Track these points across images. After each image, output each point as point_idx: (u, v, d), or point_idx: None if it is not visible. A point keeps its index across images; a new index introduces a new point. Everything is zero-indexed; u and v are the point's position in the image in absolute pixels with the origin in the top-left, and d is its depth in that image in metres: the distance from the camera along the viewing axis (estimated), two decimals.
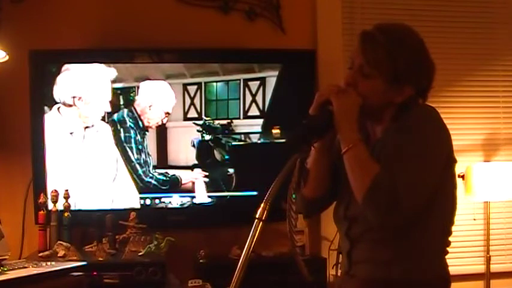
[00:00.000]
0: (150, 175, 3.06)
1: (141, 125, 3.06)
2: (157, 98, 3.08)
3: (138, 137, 3.05)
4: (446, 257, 1.75)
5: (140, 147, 3.06)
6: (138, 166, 3.06)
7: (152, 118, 3.07)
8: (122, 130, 3.05)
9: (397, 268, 1.65)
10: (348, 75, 1.71)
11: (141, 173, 3.06)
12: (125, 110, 3.06)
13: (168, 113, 3.09)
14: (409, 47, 1.70)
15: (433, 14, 3.49)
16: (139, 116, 3.06)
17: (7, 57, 2.76)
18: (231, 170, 3.13)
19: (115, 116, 3.05)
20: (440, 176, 1.65)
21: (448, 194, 1.71)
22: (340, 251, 1.86)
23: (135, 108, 3.06)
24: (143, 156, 3.06)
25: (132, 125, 3.05)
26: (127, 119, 3.05)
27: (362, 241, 1.70)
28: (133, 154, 3.05)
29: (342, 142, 1.65)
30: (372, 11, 3.42)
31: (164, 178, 3.08)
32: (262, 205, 1.56)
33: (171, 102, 3.09)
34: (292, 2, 3.33)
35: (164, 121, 3.08)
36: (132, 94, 3.07)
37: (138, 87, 3.07)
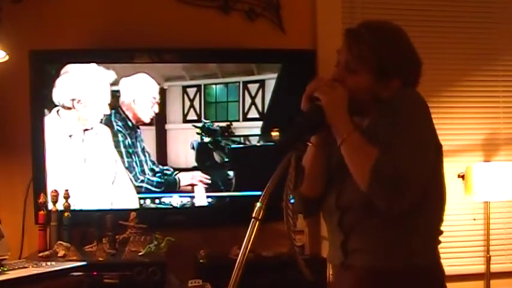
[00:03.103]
0: (141, 178, 3.05)
1: (130, 125, 3.05)
2: (139, 90, 3.06)
3: (128, 139, 3.04)
4: (444, 255, 1.75)
5: (131, 150, 3.05)
6: (127, 171, 3.05)
7: (141, 111, 3.06)
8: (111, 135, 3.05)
9: (396, 256, 1.66)
10: (335, 72, 1.73)
11: (132, 177, 3.06)
12: (112, 112, 3.05)
13: (157, 101, 3.06)
14: (395, 42, 1.72)
15: (433, 14, 3.49)
16: (126, 115, 3.05)
17: (7, 57, 2.76)
18: (230, 173, 3.13)
19: (103, 121, 3.04)
20: (434, 151, 1.67)
21: (439, 179, 1.72)
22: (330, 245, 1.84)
23: (121, 108, 3.06)
24: (135, 158, 3.05)
25: (120, 128, 3.04)
26: (114, 121, 3.04)
27: (358, 230, 1.69)
28: (122, 158, 3.05)
29: (336, 135, 1.65)
30: (372, 11, 3.42)
31: (159, 180, 3.07)
32: (258, 204, 1.56)
33: (154, 90, 3.06)
34: (292, 2, 3.33)
35: (155, 110, 3.07)
36: None
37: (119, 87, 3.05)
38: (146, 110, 3.07)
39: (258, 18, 3.30)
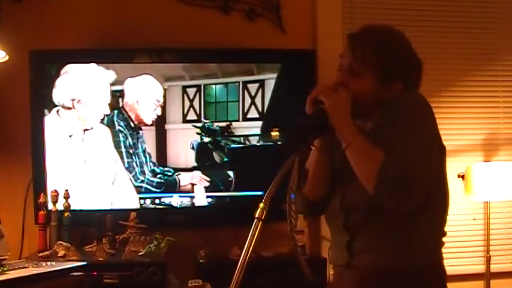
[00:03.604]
0: (141, 179, 3.05)
1: (132, 125, 3.05)
2: (143, 92, 3.06)
3: (129, 140, 3.04)
4: (444, 255, 1.76)
5: (131, 151, 3.04)
6: (127, 171, 3.05)
7: (144, 113, 3.06)
8: (111, 135, 3.04)
9: (399, 255, 1.67)
10: (338, 76, 1.75)
11: (131, 177, 3.05)
12: (115, 112, 3.05)
13: (160, 103, 3.06)
14: (396, 45, 1.75)
15: (433, 14, 3.49)
16: (129, 116, 3.05)
17: (7, 57, 2.76)
18: (230, 173, 3.12)
19: (104, 121, 3.04)
20: (438, 152, 1.68)
21: (443, 180, 1.74)
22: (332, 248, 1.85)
23: (124, 109, 3.06)
24: (135, 159, 3.05)
25: (122, 128, 3.04)
26: (116, 122, 3.04)
27: (363, 230, 1.70)
28: (122, 158, 3.05)
29: (341, 138, 1.66)
30: (372, 11, 3.42)
31: (158, 181, 3.07)
32: (261, 205, 1.56)
33: (158, 92, 3.07)
34: (292, 2, 3.33)
35: (158, 113, 3.07)
36: None
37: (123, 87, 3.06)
38: (149, 112, 3.07)
39: (258, 18, 3.30)
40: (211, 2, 3.26)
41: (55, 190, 2.88)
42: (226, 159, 3.13)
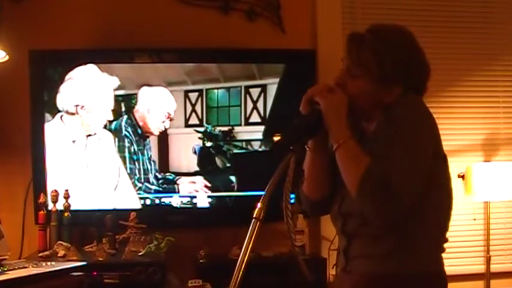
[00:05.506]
0: (139, 186, 3.05)
1: (139, 132, 3.05)
2: (156, 102, 3.07)
3: (134, 146, 3.04)
4: (444, 255, 1.73)
5: (135, 157, 3.04)
6: (128, 177, 3.05)
7: (152, 123, 3.06)
8: (116, 140, 3.04)
9: (393, 262, 1.64)
10: (337, 76, 1.72)
11: (131, 184, 3.05)
12: (124, 117, 3.05)
13: (170, 116, 3.07)
14: (397, 47, 1.70)
15: (433, 14, 3.49)
16: (137, 123, 3.05)
17: (7, 57, 2.76)
18: (232, 178, 3.12)
19: (112, 125, 3.04)
20: (430, 163, 1.63)
21: (442, 188, 1.70)
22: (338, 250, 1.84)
23: (134, 115, 3.06)
24: (138, 165, 3.04)
25: (129, 134, 3.04)
26: (124, 127, 3.04)
27: (358, 236, 1.69)
28: (125, 164, 3.05)
29: (332, 140, 1.65)
30: (372, 11, 3.42)
31: (158, 188, 3.07)
32: (259, 205, 1.56)
33: (170, 105, 3.08)
34: (292, 2, 3.33)
35: (166, 125, 3.07)
36: (133, 101, 3.06)
37: (137, 95, 3.06)
38: (157, 123, 3.06)
39: (258, 18, 3.30)
40: (211, 2, 3.26)
41: (55, 190, 2.88)
42: (228, 164, 3.12)
